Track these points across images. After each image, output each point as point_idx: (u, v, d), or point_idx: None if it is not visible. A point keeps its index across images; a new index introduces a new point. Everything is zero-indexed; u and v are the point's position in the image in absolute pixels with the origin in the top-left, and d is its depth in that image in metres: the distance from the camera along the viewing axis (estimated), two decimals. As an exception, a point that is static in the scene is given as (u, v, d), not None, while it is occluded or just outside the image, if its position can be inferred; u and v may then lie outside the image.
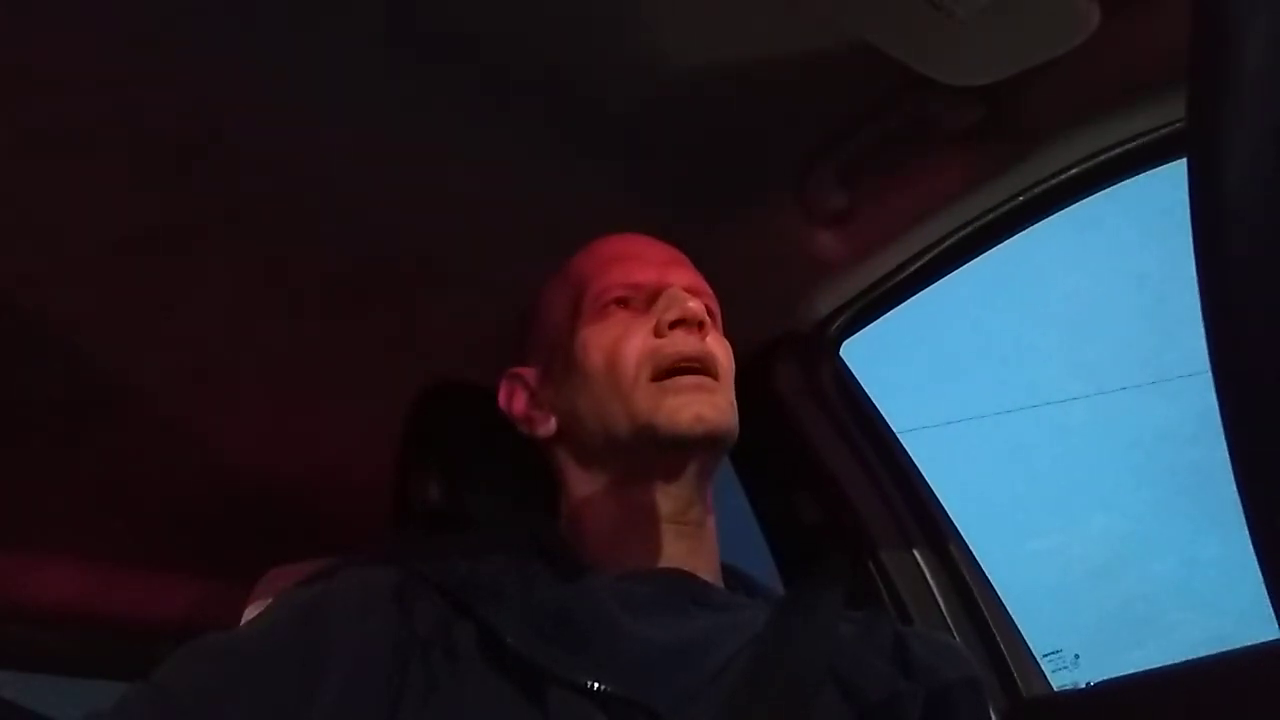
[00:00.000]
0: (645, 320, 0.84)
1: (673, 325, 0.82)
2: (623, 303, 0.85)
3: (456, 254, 1.16)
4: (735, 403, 0.84)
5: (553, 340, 0.89)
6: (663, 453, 0.81)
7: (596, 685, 0.68)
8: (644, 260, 0.88)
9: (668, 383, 0.80)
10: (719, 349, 0.85)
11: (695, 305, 0.83)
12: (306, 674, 0.70)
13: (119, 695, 0.71)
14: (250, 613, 0.94)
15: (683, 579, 0.82)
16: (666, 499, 0.83)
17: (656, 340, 0.82)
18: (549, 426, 0.88)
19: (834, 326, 1.28)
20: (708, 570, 0.84)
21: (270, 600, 0.85)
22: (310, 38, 0.88)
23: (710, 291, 0.90)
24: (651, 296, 0.85)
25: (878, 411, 1.29)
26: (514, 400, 0.91)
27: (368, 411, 1.21)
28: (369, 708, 0.69)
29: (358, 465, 1.29)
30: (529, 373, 0.91)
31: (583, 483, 0.86)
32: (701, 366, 0.82)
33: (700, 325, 0.83)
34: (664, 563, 0.83)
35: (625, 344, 0.82)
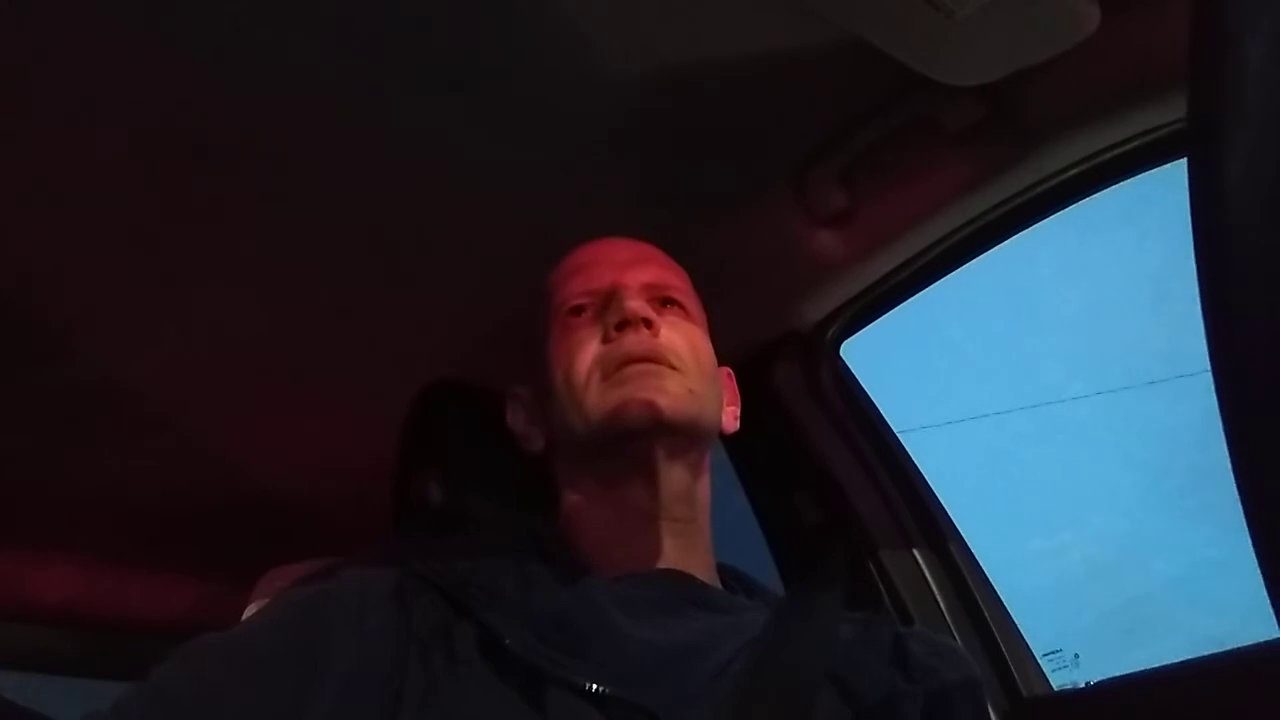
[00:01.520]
0: (598, 327, 0.84)
1: (619, 328, 0.83)
2: (580, 311, 0.86)
3: (457, 255, 1.16)
4: (703, 389, 0.84)
5: (535, 354, 0.90)
6: (622, 446, 0.82)
7: (596, 688, 0.68)
8: (602, 265, 0.89)
9: (614, 376, 0.81)
10: (679, 338, 0.85)
11: (634, 305, 0.83)
12: (306, 674, 0.70)
13: (117, 693, 0.70)
14: (250, 612, 0.94)
15: (681, 580, 0.82)
16: (649, 494, 0.83)
17: (604, 345, 0.83)
18: (539, 443, 0.90)
19: (834, 326, 1.28)
20: (703, 570, 0.84)
21: (270, 600, 0.85)
22: (308, 44, 0.88)
23: (678, 282, 0.90)
24: (606, 301, 0.86)
25: (877, 411, 1.28)
26: (515, 419, 0.93)
27: (368, 411, 1.22)
28: (368, 708, 0.69)
29: (358, 465, 1.29)
30: (525, 391, 0.92)
31: (573, 491, 0.87)
32: (652, 360, 0.82)
33: (647, 323, 0.83)
34: (660, 563, 0.83)
35: (578, 353, 0.84)
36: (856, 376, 1.30)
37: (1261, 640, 0.88)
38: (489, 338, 0.97)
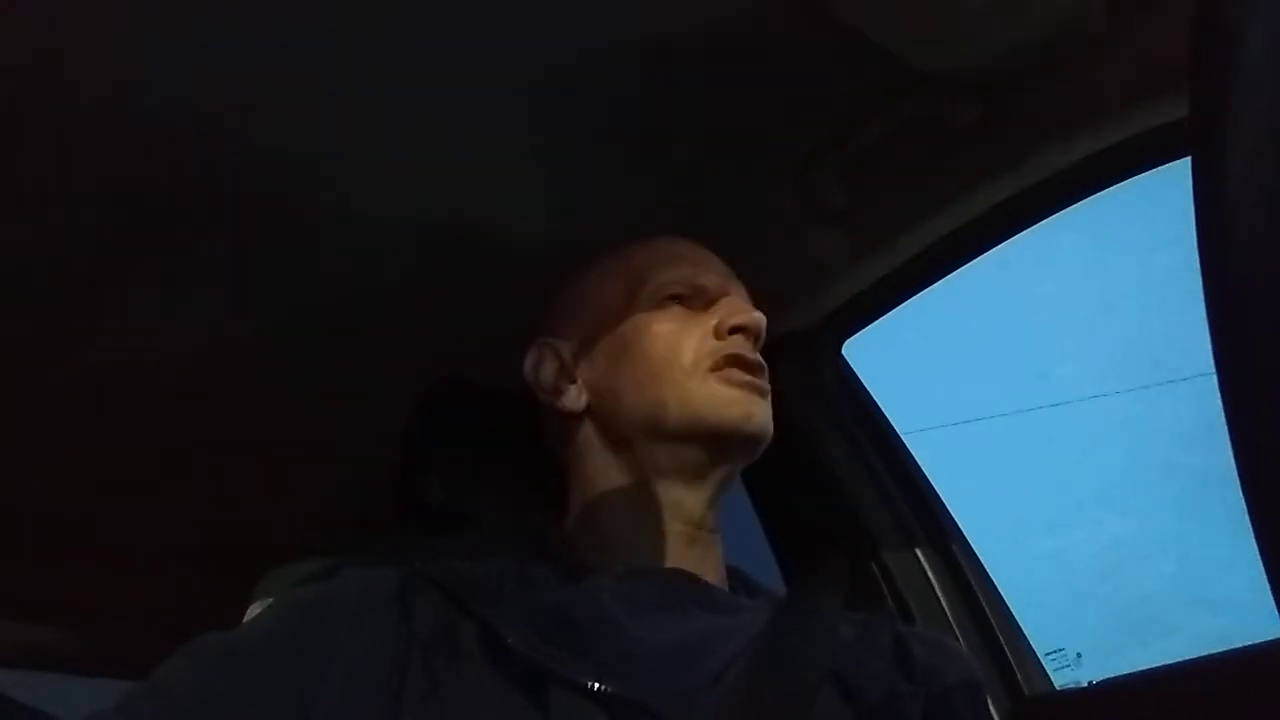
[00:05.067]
0: (704, 320, 0.85)
1: (733, 330, 0.84)
2: (683, 300, 0.87)
3: (460, 256, 1.15)
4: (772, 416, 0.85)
5: (599, 318, 0.89)
6: (704, 445, 0.82)
7: (598, 686, 0.68)
8: (707, 267, 0.90)
9: (725, 372, 0.82)
10: (765, 367, 0.86)
11: (760, 316, 0.85)
12: (307, 675, 0.70)
13: (120, 693, 0.71)
14: (252, 612, 0.94)
15: (685, 580, 0.82)
16: (688, 500, 0.83)
17: (716, 341, 0.84)
18: (579, 401, 0.88)
19: (836, 325, 1.28)
20: (711, 574, 0.84)
21: (272, 599, 0.85)
22: (311, 36, 0.88)
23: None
24: (711, 301, 0.87)
25: (880, 410, 1.28)
26: (542, 368, 0.91)
27: (370, 410, 1.21)
28: (370, 708, 0.69)
29: (360, 464, 1.29)
30: (563, 344, 0.90)
31: (605, 467, 0.86)
32: (759, 375, 0.84)
33: (757, 338, 0.85)
34: (668, 564, 0.83)
35: (685, 337, 0.84)
36: (859, 376, 1.30)
37: (1266, 639, 0.88)
38: (491, 337, 0.96)
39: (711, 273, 0.89)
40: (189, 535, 1.59)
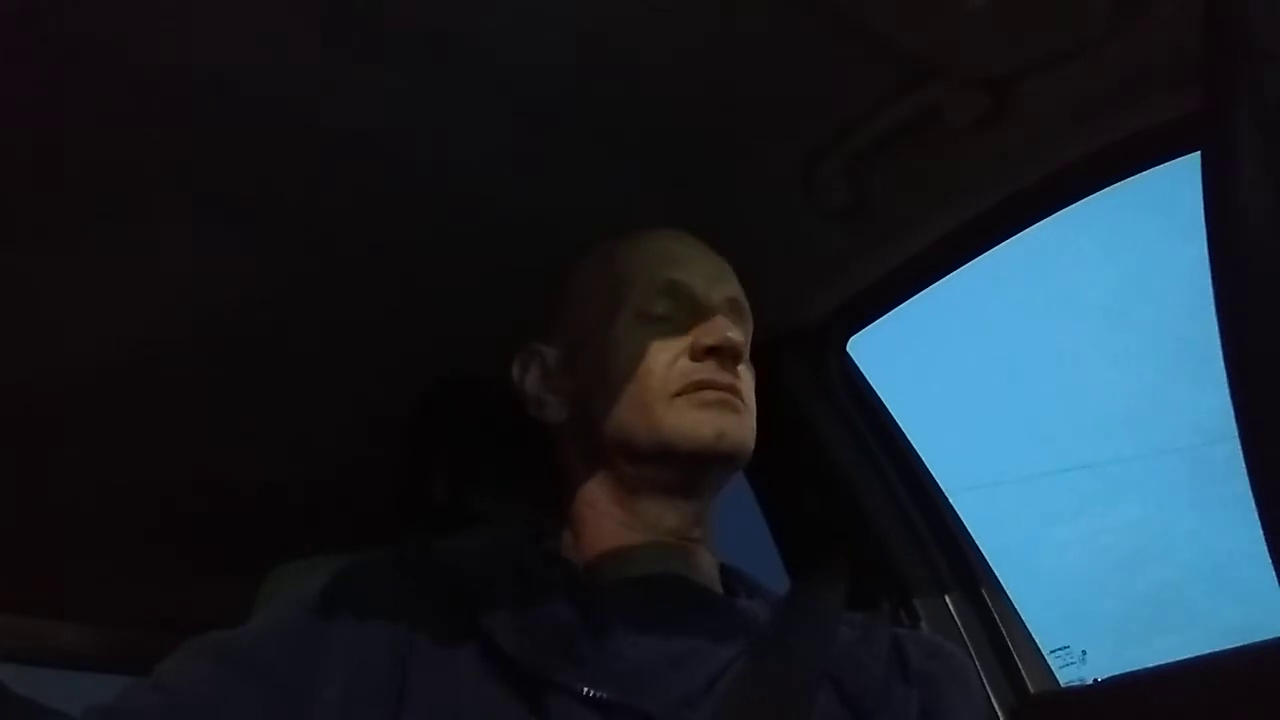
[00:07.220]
0: (682, 338, 0.83)
1: (708, 351, 0.81)
2: (663, 313, 0.85)
3: (461, 253, 1.15)
4: (753, 429, 0.84)
5: (581, 326, 0.87)
6: (679, 467, 0.81)
7: (594, 693, 0.68)
8: (693, 271, 0.87)
9: (693, 395, 0.80)
10: (746, 381, 0.84)
11: (735, 336, 0.82)
12: (308, 676, 0.70)
13: (122, 689, 0.71)
14: (259, 610, 0.94)
15: (681, 584, 0.82)
16: (671, 515, 0.83)
17: (689, 363, 0.82)
18: (560, 414, 0.87)
19: (841, 322, 1.28)
20: (705, 577, 0.84)
21: (276, 597, 0.85)
22: (316, 36, 0.88)
23: (748, 309, 0.89)
24: (694, 312, 0.84)
25: (884, 406, 1.28)
26: (527, 376, 0.90)
27: (372, 409, 1.22)
28: (369, 711, 0.69)
29: (362, 463, 1.29)
30: (549, 351, 0.90)
31: (586, 482, 0.86)
32: (733, 393, 0.82)
33: (734, 357, 0.82)
34: (662, 570, 0.82)
35: (657, 358, 0.82)
36: (863, 372, 1.30)
37: (1273, 636, 0.87)
38: (491, 335, 0.96)
39: (699, 276, 0.87)
40: (191, 532, 1.59)
